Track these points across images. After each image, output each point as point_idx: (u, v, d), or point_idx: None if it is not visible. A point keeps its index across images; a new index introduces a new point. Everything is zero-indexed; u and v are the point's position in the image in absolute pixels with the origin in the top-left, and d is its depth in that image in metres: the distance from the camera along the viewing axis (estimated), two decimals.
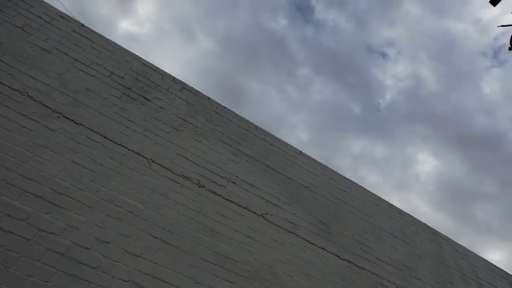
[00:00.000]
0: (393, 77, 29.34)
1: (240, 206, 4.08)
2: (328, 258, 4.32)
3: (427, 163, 27.52)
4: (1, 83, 3.42)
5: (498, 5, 4.53)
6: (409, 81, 29.37)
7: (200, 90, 4.89)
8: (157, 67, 4.73)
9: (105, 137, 3.67)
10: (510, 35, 4.46)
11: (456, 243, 6.16)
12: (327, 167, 5.47)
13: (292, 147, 5.32)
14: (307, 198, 4.78)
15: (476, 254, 6.26)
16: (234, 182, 4.25)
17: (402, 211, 5.87)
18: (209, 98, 4.92)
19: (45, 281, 2.66)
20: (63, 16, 4.34)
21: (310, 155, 5.43)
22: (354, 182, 5.61)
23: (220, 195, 4.02)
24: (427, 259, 5.37)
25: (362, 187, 5.65)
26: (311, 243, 4.32)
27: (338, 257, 4.42)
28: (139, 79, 4.43)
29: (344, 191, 5.35)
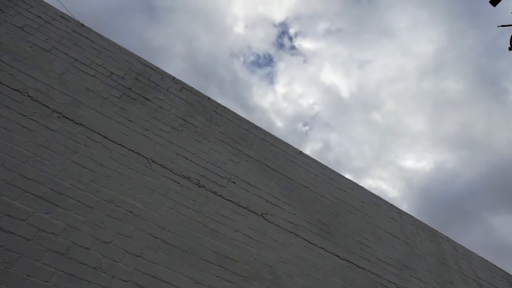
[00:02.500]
0: None
1: (240, 206, 4.08)
2: (328, 258, 4.32)
3: None
4: (1, 83, 3.42)
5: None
6: None
7: None
8: (157, 67, 4.73)
9: (105, 137, 3.67)
10: (510, 35, 4.46)
11: (456, 243, 6.16)
12: (327, 167, 5.46)
13: (292, 147, 5.32)
14: (307, 198, 4.78)
15: (476, 254, 6.26)
16: (234, 182, 4.25)
17: (402, 211, 5.87)
18: (209, 98, 4.92)
19: (45, 281, 2.66)
20: (63, 16, 4.34)
21: None
22: (354, 182, 5.61)
23: (220, 195, 4.02)
24: (427, 259, 5.37)
25: (362, 187, 5.65)
26: (311, 243, 4.32)
27: (338, 257, 4.42)
28: (139, 79, 4.43)
29: (344, 191, 5.35)
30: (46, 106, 3.53)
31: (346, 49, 31.91)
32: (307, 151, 32.11)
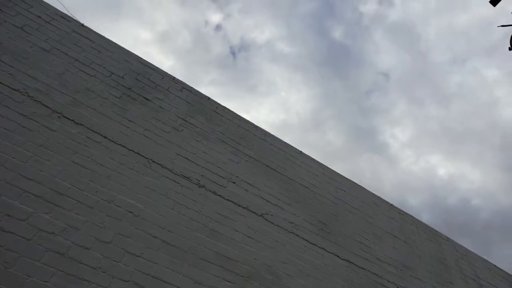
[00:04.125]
0: None
1: (240, 206, 4.08)
2: (328, 258, 4.32)
3: None
4: (1, 83, 3.42)
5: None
6: None
7: None
8: (157, 67, 4.73)
9: (105, 137, 3.67)
10: (510, 35, 4.46)
11: (456, 243, 6.16)
12: (327, 167, 5.47)
13: (292, 147, 5.32)
14: (307, 198, 4.78)
15: (476, 254, 6.26)
16: (234, 182, 4.25)
17: (402, 211, 5.87)
18: (209, 98, 4.92)
19: (45, 281, 2.66)
20: (63, 16, 4.34)
21: None
22: (354, 182, 5.61)
23: (220, 195, 4.02)
24: (427, 259, 5.37)
25: (362, 187, 5.65)
26: (311, 243, 4.32)
27: (338, 257, 4.42)
28: (139, 79, 4.43)
29: (344, 191, 5.35)
30: (46, 106, 3.53)
31: (230, 104, 33.03)
32: None
